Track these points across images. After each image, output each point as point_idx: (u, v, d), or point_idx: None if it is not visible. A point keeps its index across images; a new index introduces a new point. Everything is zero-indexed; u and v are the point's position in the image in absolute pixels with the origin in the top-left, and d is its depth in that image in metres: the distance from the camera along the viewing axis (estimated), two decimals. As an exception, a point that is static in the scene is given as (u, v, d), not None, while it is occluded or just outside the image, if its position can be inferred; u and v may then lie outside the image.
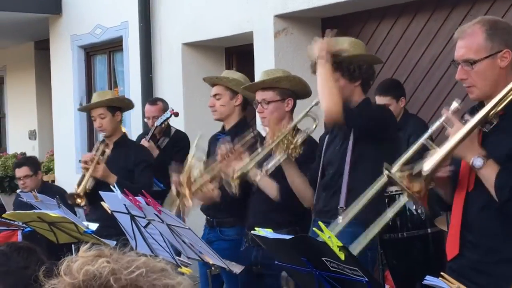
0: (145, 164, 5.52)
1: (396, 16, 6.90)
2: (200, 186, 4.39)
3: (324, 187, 3.93)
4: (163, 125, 6.49)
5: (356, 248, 2.95)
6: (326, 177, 3.95)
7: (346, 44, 3.85)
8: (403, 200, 3.13)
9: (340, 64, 3.78)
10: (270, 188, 4.12)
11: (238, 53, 8.56)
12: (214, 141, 4.87)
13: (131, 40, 9.19)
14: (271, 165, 3.95)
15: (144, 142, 6.30)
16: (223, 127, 4.85)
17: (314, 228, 2.39)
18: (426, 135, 2.90)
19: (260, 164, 3.99)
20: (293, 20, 7.25)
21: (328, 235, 2.35)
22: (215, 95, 4.78)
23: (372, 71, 3.95)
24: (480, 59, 2.83)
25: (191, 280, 6.04)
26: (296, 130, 4.03)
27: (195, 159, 4.42)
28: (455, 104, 2.83)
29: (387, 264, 5.11)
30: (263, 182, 4.09)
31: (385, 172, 2.89)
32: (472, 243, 2.91)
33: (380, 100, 5.68)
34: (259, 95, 4.29)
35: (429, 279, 2.32)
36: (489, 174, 2.78)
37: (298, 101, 4.36)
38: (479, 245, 2.89)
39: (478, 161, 2.77)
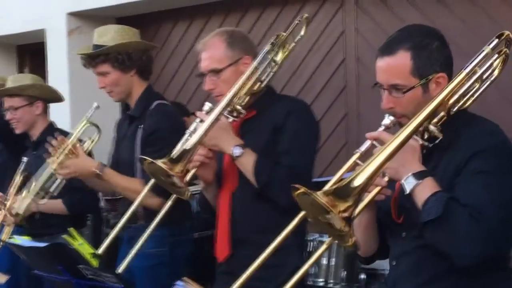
0: None
1: (191, 17, 6.90)
2: None
3: None
4: None
5: None
6: None
7: (112, 32, 3.70)
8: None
9: (108, 55, 3.63)
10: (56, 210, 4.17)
11: (31, 51, 8.20)
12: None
13: None
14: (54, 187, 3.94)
15: None
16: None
17: (64, 236, 2.28)
18: None
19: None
20: (86, 18, 7.04)
21: (80, 242, 2.24)
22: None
23: (147, 57, 3.76)
24: (224, 68, 3.03)
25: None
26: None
27: None
28: (208, 105, 2.96)
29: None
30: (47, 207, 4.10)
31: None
32: (243, 240, 2.98)
33: None
34: (7, 102, 4.37)
35: (177, 284, 2.28)
36: (247, 161, 2.91)
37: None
38: (249, 241, 2.95)
39: (237, 150, 2.90)
